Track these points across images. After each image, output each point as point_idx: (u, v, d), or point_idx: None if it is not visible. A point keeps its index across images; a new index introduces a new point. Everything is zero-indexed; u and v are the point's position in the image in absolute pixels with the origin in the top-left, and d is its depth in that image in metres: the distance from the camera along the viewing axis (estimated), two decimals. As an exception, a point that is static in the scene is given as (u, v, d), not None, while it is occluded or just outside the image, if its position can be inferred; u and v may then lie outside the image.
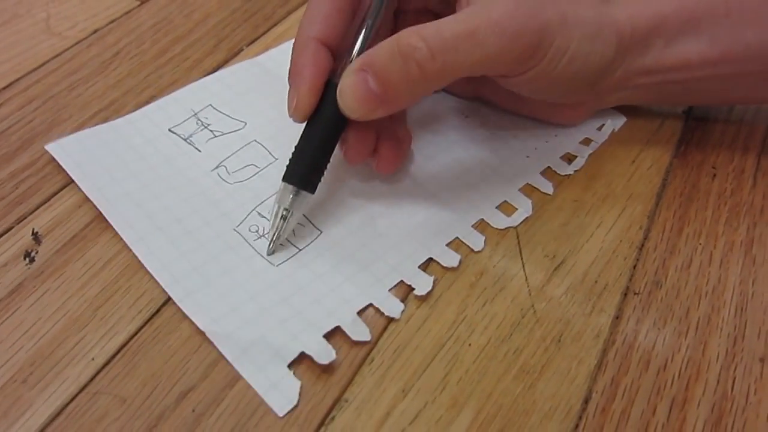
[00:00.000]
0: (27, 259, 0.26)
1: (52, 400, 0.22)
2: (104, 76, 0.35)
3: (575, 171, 0.32)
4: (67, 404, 0.22)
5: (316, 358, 0.23)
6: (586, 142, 0.34)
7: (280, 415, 0.22)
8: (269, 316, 0.25)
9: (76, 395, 0.22)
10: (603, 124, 0.35)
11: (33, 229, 0.27)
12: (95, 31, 0.37)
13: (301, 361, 0.23)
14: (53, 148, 0.30)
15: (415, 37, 0.24)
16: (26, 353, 0.23)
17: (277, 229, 0.27)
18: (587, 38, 0.27)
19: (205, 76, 0.35)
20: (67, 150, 0.30)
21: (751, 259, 0.29)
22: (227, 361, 0.24)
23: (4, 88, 0.33)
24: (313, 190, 0.27)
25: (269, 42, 0.38)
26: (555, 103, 0.32)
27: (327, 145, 0.27)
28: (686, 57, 0.30)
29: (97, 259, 0.26)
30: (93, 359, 0.23)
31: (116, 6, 0.39)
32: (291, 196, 0.26)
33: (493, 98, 0.34)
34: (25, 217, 0.28)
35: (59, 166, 0.30)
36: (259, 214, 0.29)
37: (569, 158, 0.33)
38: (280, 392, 0.23)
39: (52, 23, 0.37)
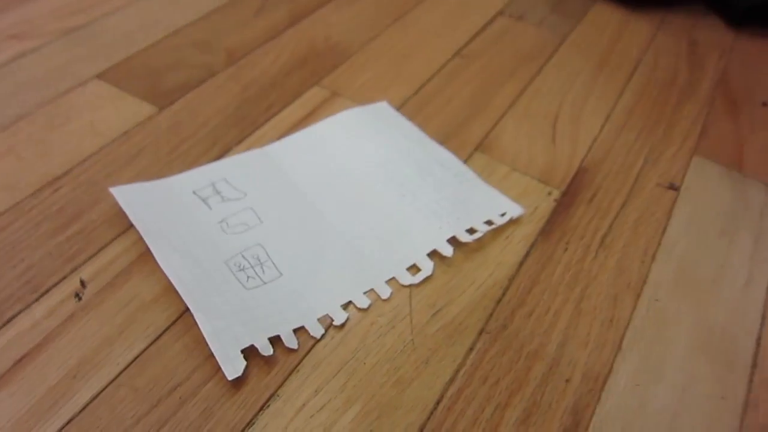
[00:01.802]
0: (77, 298, 0.39)
1: (91, 388, 0.35)
2: (131, 168, 0.48)
3: (474, 239, 0.45)
4: (101, 391, 0.35)
5: (261, 351, 0.36)
6: (489, 222, 0.46)
7: (229, 378, 0.35)
8: (236, 317, 0.38)
9: (107, 386, 0.35)
10: (505, 212, 0.47)
11: (81, 278, 0.40)
12: (125, 132, 0.51)
13: (250, 362, 0.36)
14: (116, 191, 0.44)
15: None
16: (75, 359, 0.36)
17: None
18: None
19: (203, 165, 0.48)
20: (124, 193, 0.44)
21: (578, 311, 0.42)
22: (204, 368, 0.36)
23: (63, 175, 0.47)
24: None
25: (252, 142, 0.51)
26: None
27: None
28: None
29: (123, 299, 0.39)
30: (118, 364, 0.36)
31: (141, 112, 0.53)
32: None
33: None
34: (76, 268, 0.41)
35: (101, 232, 0.43)
36: (242, 256, 0.42)
37: (472, 231, 0.46)
38: (232, 365, 0.35)
39: (95, 125, 0.51)
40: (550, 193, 0.50)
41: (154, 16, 0.65)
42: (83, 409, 0.34)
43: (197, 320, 0.37)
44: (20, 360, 0.36)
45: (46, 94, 0.54)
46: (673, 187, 0.52)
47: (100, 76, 0.56)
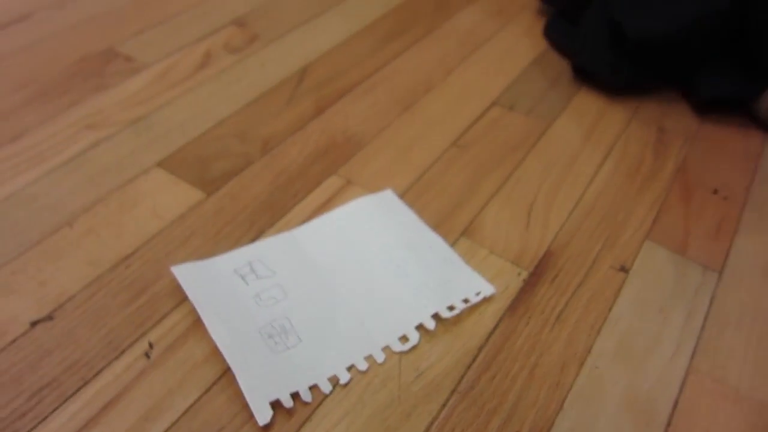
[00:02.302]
0: (147, 357, 0.52)
1: (159, 429, 0.47)
2: (186, 247, 0.61)
3: (453, 315, 0.57)
4: (166, 431, 0.47)
5: (284, 403, 0.48)
6: (466, 300, 0.58)
7: (260, 424, 0.47)
8: (266, 376, 0.50)
9: (170, 427, 0.47)
10: (480, 291, 0.59)
11: (149, 341, 0.53)
12: (181, 216, 0.64)
13: (275, 411, 0.48)
14: (176, 269, 0.57)
15: None
16: (146, 406, 0.49)
17: None
18: None
19: (243, 246, 0.61)
20: (181, 271, 0.57)
21: (532, 376, 0.53)
22: (242, 415, 0.49)
23: (132, 254, 0.60)
24: None
25: (281, 225, 0.64)
26: None
27: None
28: None
29: (182, 359, 0.52)
30: (178, 410, 0.49)
31: (193, 198, 0.66)
32: None
33: None
34: (145, 333, 0.54)
35: (164, 303, 0.56)
36: (271, 326, 0.54)
37: (451, 308, 0.58)
38: (262, 413, 0.47)
39: (157, 209, 0.64)
40: (519, 274, 0.61)
41: (201, 107, 0.78)
42: (153, 444, 0.47)
43: (237, 377, 0.49)
44: (105, 406, 0.49)
45: (117, 180, 0.67)
46: (624, 269, 0.63)
47: (159, 164, 0.70)
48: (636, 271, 0.63)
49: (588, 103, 0.85)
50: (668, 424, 0.51)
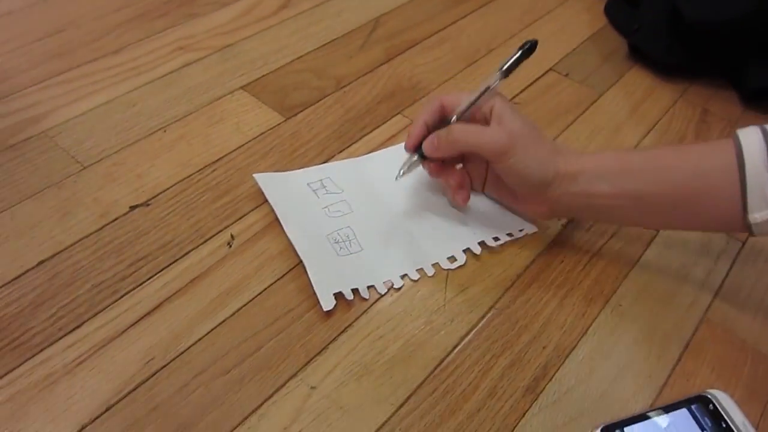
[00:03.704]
0: (228, 246, 0.60)
1: (238, 303, 0.55)
2: (265, 161, 0.68)
3: (497, 245, 0.64)
4: (243, 306, 0.55)
5: (345, 296, 0.56)
6: (510, 234, 0.65)
7: (324, 310, 0.55)
8: (331, 272, 0.57)
9: (247, 303, 0.55)
10: (523, 228, 0.66)
11: (231, 233, 0.61)
12: (261, 134, 0.71)
13: (338, 302, 0.55)
14: (257, 176, 0.64)
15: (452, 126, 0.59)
16: (227, 285, 0.56)
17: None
18: (537, 162, 0.57)
19: (315, 166, 0.68)
20: (262, 178, 0.64)
21: (561, 305, 0.60)
22: (308, 302, 0.56)
23: (218, 160, 0.68)
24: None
25: (349, 152, 0.71)
26: (524, 197, 0.61)
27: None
28: (597, 190, 0.57)
29: (259, 250, 0.60)
30: (254, 291, 0.56)
31: (272, 120, 0.73)
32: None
33: (495, 195, 0.66)
34: (228, 226, 0.61)
35: (245, 203, 0.63)
36: (337, 233, 0.62)
37: (496, 239, 0.64)
38: (326, 301, 0.55)
39: (240, 126, 0.72)
40: (559, 219, 0.68)
41: (282, 43, 0.85)
42: (232, 314, 0.55)
43: (307, 270, 0.57)
44: (192, 281, 0.57)
45: (205, 97, 0.75)
46: (655, 228, 0.69)
47: (243, 87, 0.77)
48: (665, 231, 0.69)
49: (639, 80, 0.90)
50: (678, 360, 0.58)
